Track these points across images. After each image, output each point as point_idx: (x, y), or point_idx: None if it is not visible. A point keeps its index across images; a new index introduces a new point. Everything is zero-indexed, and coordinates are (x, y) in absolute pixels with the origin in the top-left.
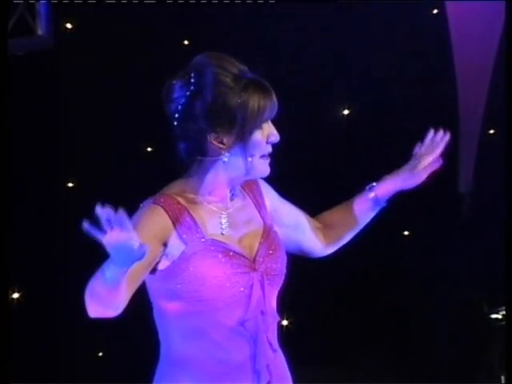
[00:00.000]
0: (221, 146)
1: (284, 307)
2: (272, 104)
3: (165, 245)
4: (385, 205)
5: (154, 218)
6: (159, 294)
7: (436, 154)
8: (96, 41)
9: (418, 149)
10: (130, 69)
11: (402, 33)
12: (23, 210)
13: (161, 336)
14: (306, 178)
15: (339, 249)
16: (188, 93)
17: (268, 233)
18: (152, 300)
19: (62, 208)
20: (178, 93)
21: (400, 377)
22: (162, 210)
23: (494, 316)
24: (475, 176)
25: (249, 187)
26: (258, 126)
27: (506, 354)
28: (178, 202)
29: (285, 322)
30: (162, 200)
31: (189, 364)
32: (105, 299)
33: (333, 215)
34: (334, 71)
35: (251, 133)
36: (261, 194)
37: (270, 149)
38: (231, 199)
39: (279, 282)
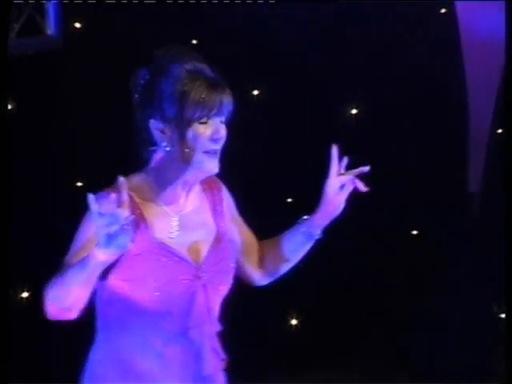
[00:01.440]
0: (162, 134)
1: (292, 307)
2: (217, 101)
3: None
4: (320, 237)
5: None
6: (103, 288)
7: (344, 178)
8: (105, 40)
9: (327, 180)
10: (140, 68)
11: (408, 32)
12: (30, 210)
13: (99, 328)
14: (314, 178)
15: (347, 247)
16: (142, 81)
17: (219, 240)
18: (96, 290)
19: (71, 207)
20: (136, 82)
21: (400, 377)
22: None
23: (503, 316)
24: (485, 175)
25: (210, 191)
26: (199, 120)
27: (506, 354)
28: (132, 199)
29: (294, 322)
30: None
31: (125, 364)
32: (72, 297)
33: (267, 248)
34: (340, 71)
35: (189, 124)
36: (221, 202)
37: (214, 146)
38: (186, 200)
39: (224, 290)
